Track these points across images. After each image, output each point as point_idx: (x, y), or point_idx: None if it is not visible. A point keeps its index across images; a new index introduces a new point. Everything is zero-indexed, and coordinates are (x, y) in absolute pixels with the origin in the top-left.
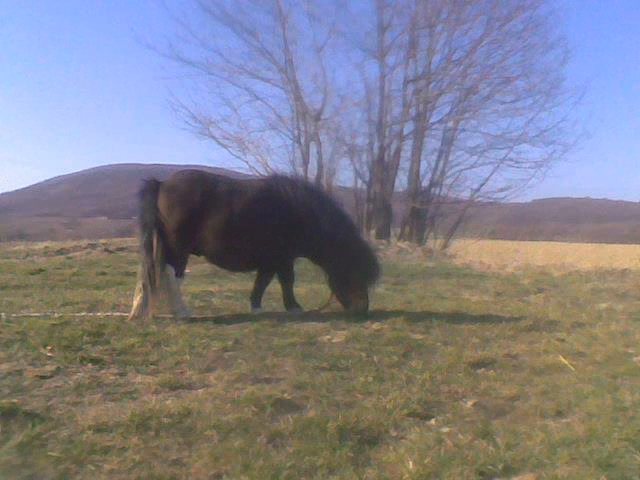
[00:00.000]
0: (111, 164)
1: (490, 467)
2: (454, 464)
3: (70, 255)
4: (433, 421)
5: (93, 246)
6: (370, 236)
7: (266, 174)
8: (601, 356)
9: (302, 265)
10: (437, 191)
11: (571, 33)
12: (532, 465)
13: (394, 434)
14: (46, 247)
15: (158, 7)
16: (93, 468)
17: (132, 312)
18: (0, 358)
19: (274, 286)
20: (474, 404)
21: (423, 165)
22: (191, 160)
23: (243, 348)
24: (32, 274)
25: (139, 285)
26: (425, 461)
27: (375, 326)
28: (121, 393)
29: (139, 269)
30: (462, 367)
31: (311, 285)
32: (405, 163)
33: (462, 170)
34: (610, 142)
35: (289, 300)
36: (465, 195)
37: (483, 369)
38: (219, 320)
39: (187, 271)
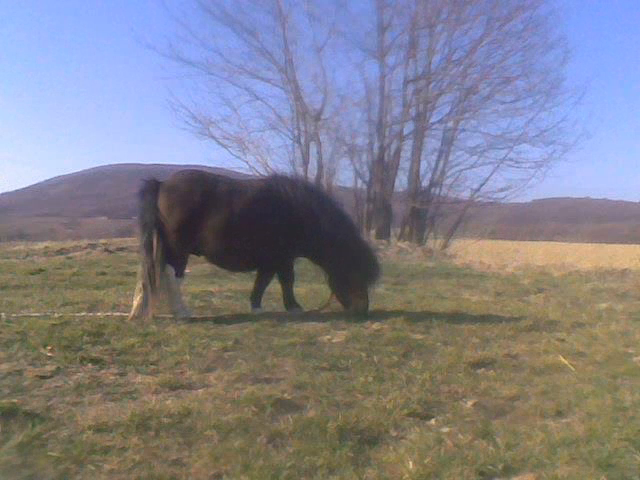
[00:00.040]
0: (111, 164)
1: (490, 467)
2: (454, 464)
3: (70, 255)
4: (433, 421)
5: (93, 246)
6: (370, 236)
7: (266, 174)
8: (601, 356)
9: (302, 265)
10: (437, 191)
11: (571, 33)
12: (532, 465)
13: (394, 434)
14: (46, 247)
15: (158, 7)
16: (93, 468)
17: (132, 312)
18: (0, 358)
19: (274, 286)
20: (474, 404)
21: (423, 165)
22: (191, 160)
23: (243, 348)
24: (32, 274)
25: (139, 285)
26: (425, 461)
27: (375, 326)
28: (121, 393)
29: (139, 269)
30: (462, 367)
31: (311, 285)
32: (405, 163)
33: (462, 170)
34: (610, 142)
35: (289, 300)
36: (465, 195)
37: (483, 369)
38: (219, 320)
39: (187, 271)
